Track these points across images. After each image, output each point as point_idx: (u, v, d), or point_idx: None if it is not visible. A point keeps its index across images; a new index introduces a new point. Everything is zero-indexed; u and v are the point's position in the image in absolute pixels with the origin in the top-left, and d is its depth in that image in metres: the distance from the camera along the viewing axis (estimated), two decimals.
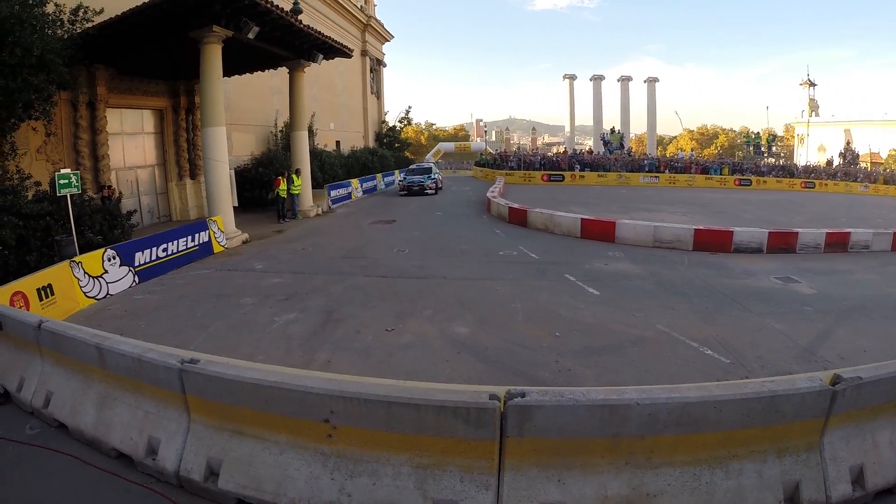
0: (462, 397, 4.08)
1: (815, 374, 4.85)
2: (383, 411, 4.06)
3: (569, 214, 19.07)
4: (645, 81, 79.60)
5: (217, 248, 15.23)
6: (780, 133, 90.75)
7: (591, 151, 57.23)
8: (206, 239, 14.86)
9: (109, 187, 16.77)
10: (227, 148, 17.00)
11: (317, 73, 30.40)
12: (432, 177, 32.05)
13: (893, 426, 5.16)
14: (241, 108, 25.20)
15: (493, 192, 26.76)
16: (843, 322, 10.46)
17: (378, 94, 48.53)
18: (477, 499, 4.06)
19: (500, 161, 45.32)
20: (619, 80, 79.50)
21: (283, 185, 20.75)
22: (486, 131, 78.33)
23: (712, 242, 16.59)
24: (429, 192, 30.81)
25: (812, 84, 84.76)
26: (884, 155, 71.10)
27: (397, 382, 4.98)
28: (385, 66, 50.47)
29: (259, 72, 22.62)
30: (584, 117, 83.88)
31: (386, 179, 35.58)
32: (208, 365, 4.67)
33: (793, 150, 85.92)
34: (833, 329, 10.01)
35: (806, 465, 4.60)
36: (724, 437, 4.33)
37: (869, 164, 66.64)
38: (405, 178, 31.86)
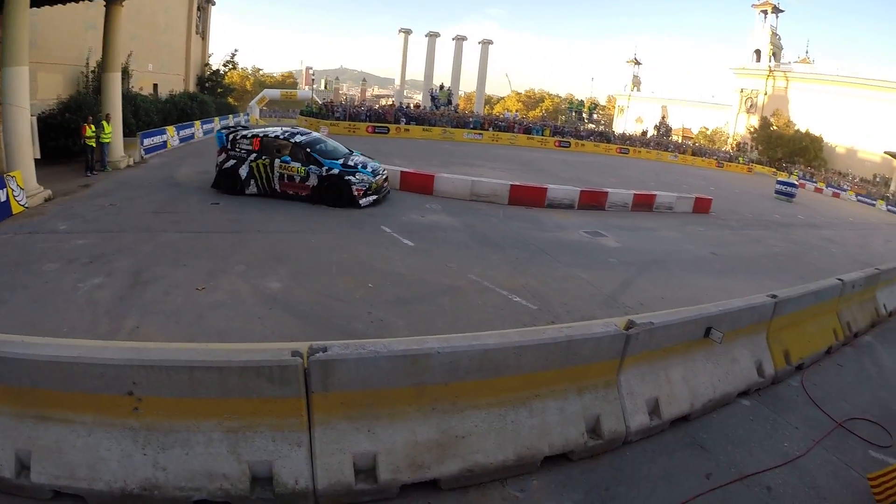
0: (264, 356, 4.04)
1: (610, 320, 5.36)
2: (186, 377, 3.93)
3: (389, 167, 19.00)
4: (479, 42, 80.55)
5: (16, 209, 13.55)
6: (603, 103, 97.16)
7: (418, 106, 57.75)
8: (3, 198, 13.18)
9: None
10: (29, 91, 14.86)
11: (138, 6, 27.42)
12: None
13: (685, 364, 5.86)
14: (50, 45, 21.90)
15: None
16: (644, 273, 11.58)
17: (203, 35, 44.92)
18: (290, 456, 4.10)
19: (325, 111, 44.23)
20: (454, 39, 79.69)
21: (89, 132, 18.56)
22: (314, 80, 75.87)
23: (528, 198, 17.53)
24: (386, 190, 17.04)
25: (637, 63, 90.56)
26: (695, 131, 78.01)
27: (200, 346, 4.84)
28: (214, 4, 46.76)
29: (73, 2, 19.71)
30: (417, 73, 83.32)
31: (204, 127, 32.24)
32: (1, 345, 4.17)
33: (612, 119, 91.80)
34: (634, 279, 11.06)
35: (605, 400, 5.09)
36: (526, 380, 4.66)
37: (681, 138, 73.29)
38: (341, 165, 15.80)
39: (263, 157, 15.83)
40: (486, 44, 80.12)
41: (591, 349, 4.89)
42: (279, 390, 4.02)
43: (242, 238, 11.69)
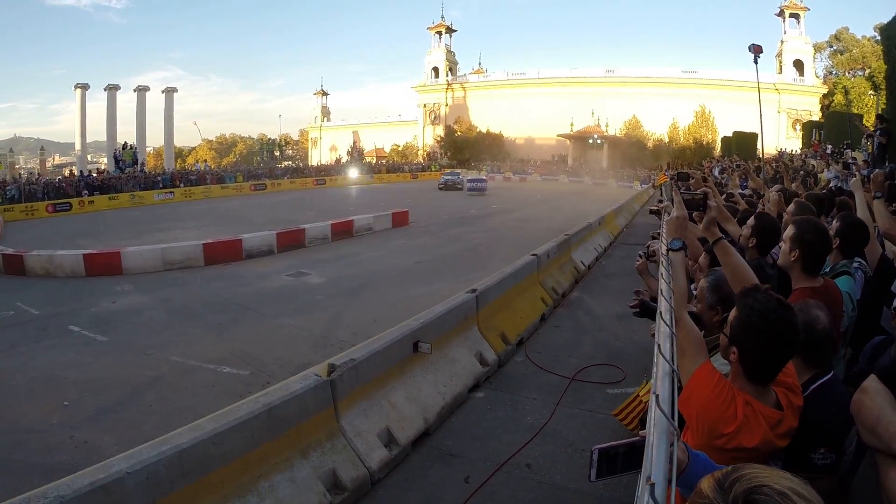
0: None
1: (310, 371, 4.97)
2: None
3: (70, 252, 16.55)
4: (163, 91, 74.15)
5: None
6: (296, 138, 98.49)
7: (100, 172, 51.53)
8: None
9: None
10: None
11: None
12: None
13: (404, 383, 5.71)
14: None
15: None
16: (352, 300, 11.45)
17: None
18: None
19: None
20: (136, 91, 72.39)
21: None
22: None
23: (223, 254, 16.54)
24: None
25: (325, 93, 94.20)
26: (388, 149, 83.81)
27: None
28: None
29: None
30: (100, 133, 74.97)
31: None
32: None
33: (307, 152, 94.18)
34: (344, 310, 10.85)
35: (334, 451, 4.70)
36: (242, 465, 4.09)
37: (375, 159, 77.52)
38: None
39: None
40: (170, 92, 74.49)
41: (297, 408, 4.50)
42: None
43: None
